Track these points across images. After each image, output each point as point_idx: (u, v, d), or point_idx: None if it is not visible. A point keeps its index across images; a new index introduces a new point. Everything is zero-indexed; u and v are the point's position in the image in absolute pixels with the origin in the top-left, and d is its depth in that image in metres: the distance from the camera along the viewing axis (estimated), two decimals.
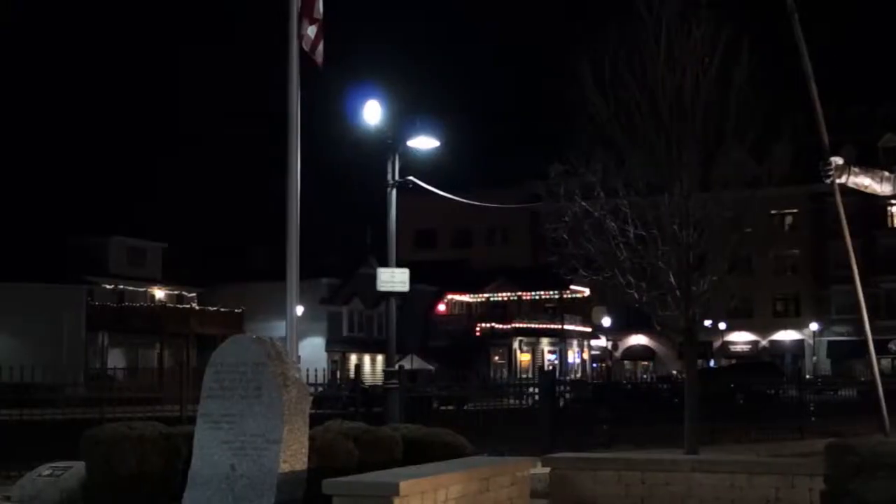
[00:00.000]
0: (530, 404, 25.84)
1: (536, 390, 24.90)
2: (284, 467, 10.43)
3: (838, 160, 10.68)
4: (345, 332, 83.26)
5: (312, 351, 69.98)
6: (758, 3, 17.19)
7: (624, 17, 19.41)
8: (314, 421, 11.71)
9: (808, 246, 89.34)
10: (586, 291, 76.39)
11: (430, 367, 62.83)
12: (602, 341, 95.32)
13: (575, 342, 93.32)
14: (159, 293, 79.75)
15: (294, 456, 10.57)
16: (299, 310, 15.65)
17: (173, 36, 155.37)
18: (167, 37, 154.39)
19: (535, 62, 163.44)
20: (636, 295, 19.52)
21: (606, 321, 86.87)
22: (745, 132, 19.44)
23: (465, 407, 29.88)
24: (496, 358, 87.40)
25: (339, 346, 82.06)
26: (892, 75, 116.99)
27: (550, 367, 67.76)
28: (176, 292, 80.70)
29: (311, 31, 14.83)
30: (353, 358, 78.96)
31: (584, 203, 20.12)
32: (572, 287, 74.66)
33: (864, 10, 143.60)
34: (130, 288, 76.85)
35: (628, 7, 19.34)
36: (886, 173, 10.90)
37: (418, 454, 12.45)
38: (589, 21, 20.36)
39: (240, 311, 76.45)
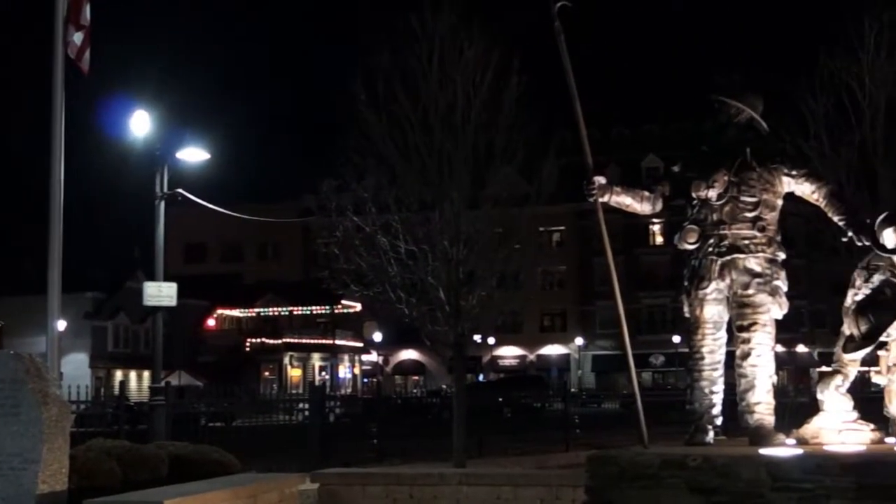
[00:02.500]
0: (300, 420, 25.65)
1: (306, 406, 24.75)
2: (43, 488, 10.06)
3: (601, 179, 10.96)
4: (110, 348, 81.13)
5: (76, 367, 67.83)
6: (528, 23, 17.55)
7: (397, 33, 19.55)
8: (76, 440, 11.37)
9: (575, 262, 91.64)
10: (358, 306, 76.44)
11: (199, 383, 61.93)
12: (373, 356, 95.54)
13: (346, 357, 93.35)
14: None
15: (54, 476, 10.21)
16: (61, 324, 15.16)
17: None
18: None
19: (310, 76, 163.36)
20: (406, 310, 19.65)
21: (378, 336, 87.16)
22: (515, 150, 19.82)
23: (235, 423, 29.48)
24: (266, 373, 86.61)
25: (104, 361, 79.86)
26: (655, 99, 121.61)
27: (321, 383, 67.61)
28: None
29: (78, 37, 14.37)
30: (119, 374, 76.92)
31: (355, 218, 20.18)
32: (344, 302, 74.56)
33: (627, 36, 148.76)
34: None
35: (402, 24, 19.49)
36: (647, 192, 11.23)
37: (185, 472, 12.24)
38: (362, 36, 20.43)
39: None
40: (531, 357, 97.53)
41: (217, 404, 28.64)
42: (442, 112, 19.27)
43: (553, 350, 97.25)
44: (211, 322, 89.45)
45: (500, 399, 38.45)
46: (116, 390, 30.87)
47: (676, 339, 72.64)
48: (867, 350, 10.35)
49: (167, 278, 25.41)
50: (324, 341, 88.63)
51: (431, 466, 18.83)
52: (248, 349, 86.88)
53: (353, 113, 19.57)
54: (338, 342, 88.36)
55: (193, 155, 26.37)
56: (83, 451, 11.51)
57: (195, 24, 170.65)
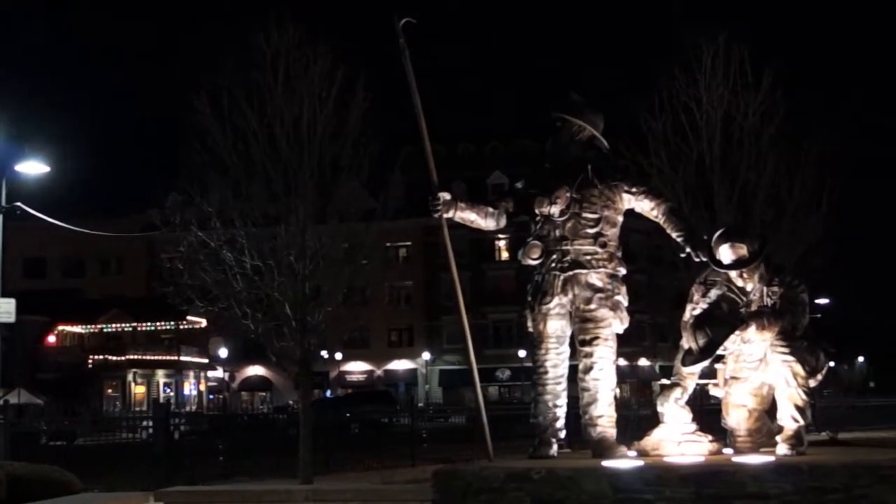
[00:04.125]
0: (145, 438, 25.23)
1: (151, 423, 24.36)
2: None
3: (446, 195, 11.02)
4: None
5: None
6: (374, 40, 17.64)
7: (242, 46, 19.45)
8: None
9: (422, 278, 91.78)
10: (203, 322, 75.50)
11: (39, 401, 60.39)
12: (219, 372, 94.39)
13: (192, 373, 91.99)
14: None
15: None
16: None
17: None
18: None
19: (155, 88, 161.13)
20: (252, 325, 19.51)
21: (224, 352, 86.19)
22: (361, 165, 19.86)
23: (77, 442, 28.89)
24: (110, 390, 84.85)
25: None
26: (499, 117, 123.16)
27: (165, 400, 66.58)
28: None
29: None
30: None
31: (200, 233, 19.94)
32: (189, 318, 73.50)
33: (473, 54, 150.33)
34: None
35: (246, 37, 19.40)
36: (491, 209, 11.31)
37: (24, 493, 11.97)
38: (206, 49, 20.29)
39: None
40: (379, 372, 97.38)
41: (58, 423, 28.05)
42: (287, 126, 19.23)
43: (400, 365, 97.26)
44: (52, 338, 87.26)
45: (348, 414, 38.41)
46: None
47: (522, 353, 73.21)
48: (705, 363, 10.57)
49: (5, 294, 24.83)
50: (168, 357, 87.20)
51: (278, 483, 18.70)
52: (90, 366, 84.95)
53: (196, 126, 19.39)
54: (183, 358, 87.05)
55: (33, 168, 25.77)
56: None
57: (36, 34, 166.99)
